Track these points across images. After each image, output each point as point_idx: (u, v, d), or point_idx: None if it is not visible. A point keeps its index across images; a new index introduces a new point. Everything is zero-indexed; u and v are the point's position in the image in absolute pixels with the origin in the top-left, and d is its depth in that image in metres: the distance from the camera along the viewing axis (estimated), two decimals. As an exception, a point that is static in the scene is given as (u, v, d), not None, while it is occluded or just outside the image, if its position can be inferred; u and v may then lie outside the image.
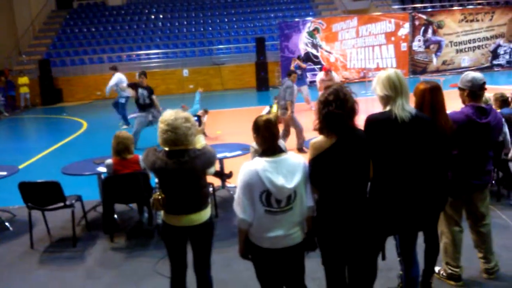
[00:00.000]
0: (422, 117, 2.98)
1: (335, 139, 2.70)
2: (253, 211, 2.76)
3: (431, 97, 3.26)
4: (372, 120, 2.94)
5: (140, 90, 9.97)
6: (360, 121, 2.83)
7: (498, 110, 5.86)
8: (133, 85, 10.19)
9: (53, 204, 5.12)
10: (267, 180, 2.68)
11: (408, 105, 2.96)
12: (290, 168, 2.75)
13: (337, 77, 12.82)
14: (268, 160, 2.73)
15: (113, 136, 5.15)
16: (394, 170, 2.94)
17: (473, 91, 3.55)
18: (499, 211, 5.18)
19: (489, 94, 5.45)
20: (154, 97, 10.11)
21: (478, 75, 3.59)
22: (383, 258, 3.05)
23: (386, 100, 3.00)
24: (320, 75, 13.04)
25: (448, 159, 3.32)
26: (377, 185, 2.92)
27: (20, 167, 8.02)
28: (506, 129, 5.28)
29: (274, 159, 2.74)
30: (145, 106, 9.97)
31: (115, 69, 13.11)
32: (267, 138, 2.79)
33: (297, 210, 2.81)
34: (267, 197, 2.72)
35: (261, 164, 2.72)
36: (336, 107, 2.67)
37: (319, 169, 2.75)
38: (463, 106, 3.62)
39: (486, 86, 3.66)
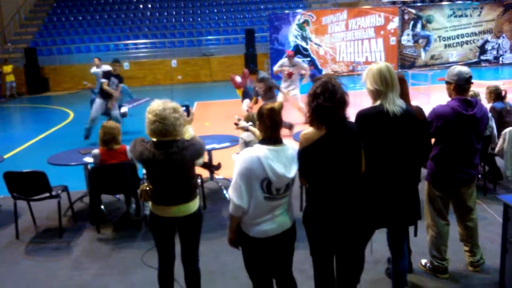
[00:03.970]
0: (412, 111, 2.99)
1: (325, 131, 2.69)
2: (249, 198, 2.75)
3: None
4: (364, 115, 2.94)
5: (112, 79, 9.75)
6: (349, 115, 2.81)
7: (491, 103, 5.92)
8: (107, 74, 9.87)
9: (39, 194, 5.06)
10: (268, 168, 2.68)
11: (399, 99, 2.96)
12: (290, 158, 2.77)
13: (303, 64, 11.34)
14: (270, 148, 2.73)
15: (100, 126, 5.11)
16: (386, 164, 2.95)
17: (460, 85, 3.58)
18: (485, 205, 5.23)
19: (479, 89, 5.48)
20: (120, 85, 9.91)
21: (464, 69, 3.62)
22: (370, 251, 3.07)
23: (376, 94, 2.98)
24: (283, 61, 10.67)
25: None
26: (368, 179, 2.91)
27: (6, 156, 7.91)
28: (493, 123, 5.34)
29: (275, 148, 2.75)
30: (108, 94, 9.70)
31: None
32: (269, 127, 2.78)
33: (291, 196, 2.89)
34: (268, 186, 2.72)
35: (262, 151, 2.72)
36: (324, 100, 2.66)
37: (309, 160, 2.75)
38: (449, 99, 3.65)
39: (474, 81, 3.69)
